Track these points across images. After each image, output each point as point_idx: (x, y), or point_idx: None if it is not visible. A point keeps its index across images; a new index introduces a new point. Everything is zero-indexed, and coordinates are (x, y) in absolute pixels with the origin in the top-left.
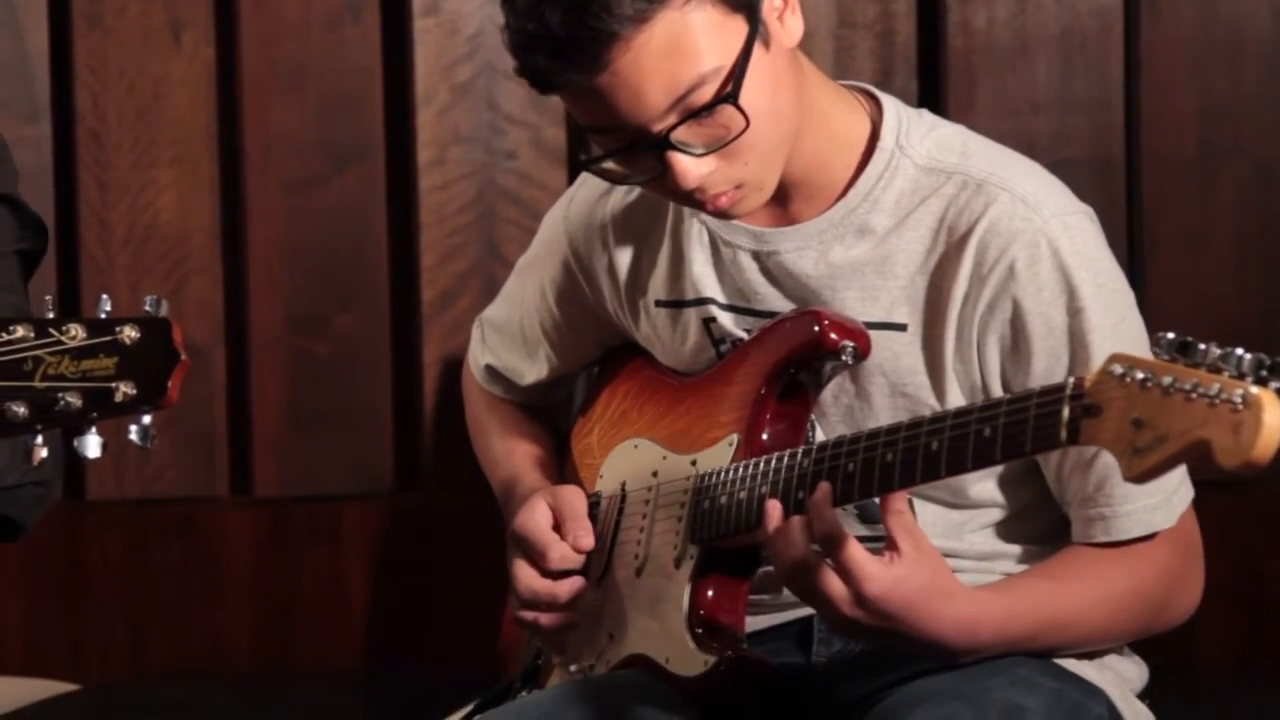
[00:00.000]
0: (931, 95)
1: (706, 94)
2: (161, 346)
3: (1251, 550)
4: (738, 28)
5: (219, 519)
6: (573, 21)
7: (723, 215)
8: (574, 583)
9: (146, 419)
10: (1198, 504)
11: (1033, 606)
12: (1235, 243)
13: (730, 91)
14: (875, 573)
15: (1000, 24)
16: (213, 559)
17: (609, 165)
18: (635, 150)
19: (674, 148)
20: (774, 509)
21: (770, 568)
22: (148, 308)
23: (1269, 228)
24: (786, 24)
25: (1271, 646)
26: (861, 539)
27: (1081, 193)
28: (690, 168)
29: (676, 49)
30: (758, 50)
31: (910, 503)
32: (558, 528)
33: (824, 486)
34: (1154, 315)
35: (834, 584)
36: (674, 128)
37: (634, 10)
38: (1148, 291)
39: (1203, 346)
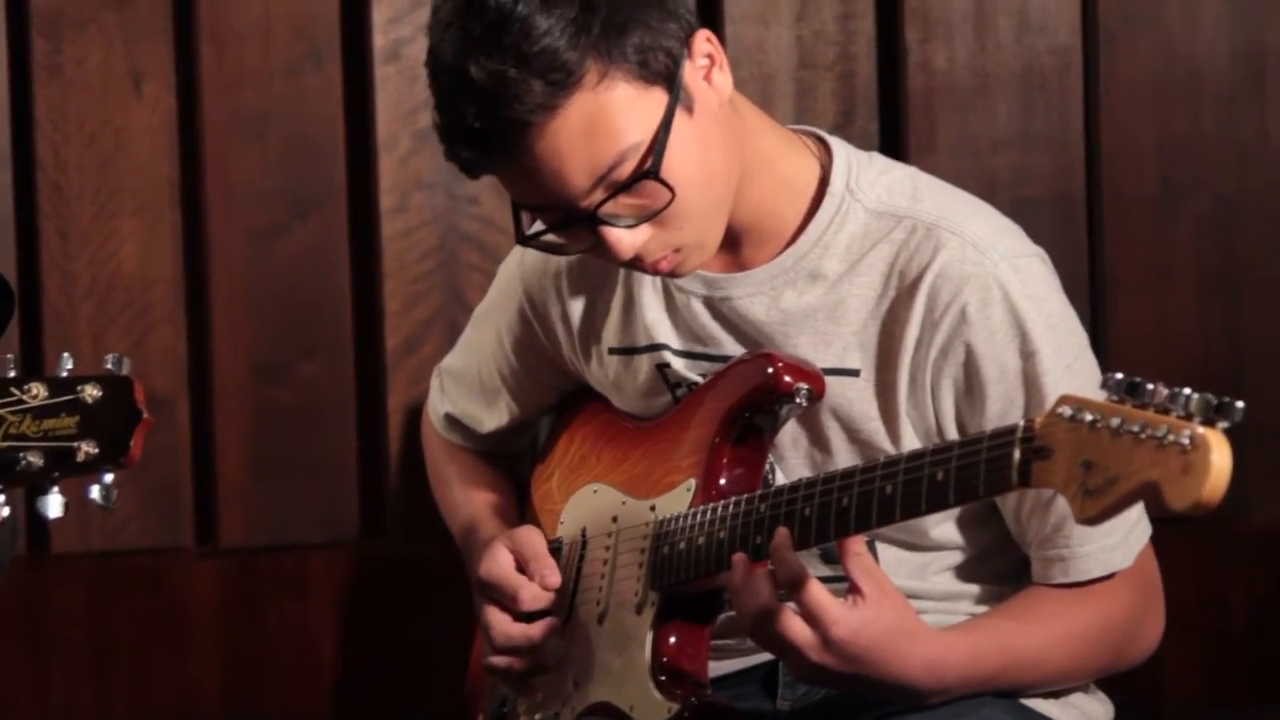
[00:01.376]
0: (893, 136)
1: (628, 169)
2: (123, 405)
3: (1216, 585)
4: (657, 99)
5: (184, 570)
6: (486, 113)
7: (668, 275)
8: (548, 623)
9: (108, 478)
10: (1161, 539)
11: (997, 646)
12: (1197, 279)
13: (650, 167)
14: (841, 615)
15: (960, 64)
16: (178, 610)
17: (547, 239)
18: (568, 225)
19: (604, 222)
20: (740, 560)
21: (733, 612)
22: (109, 366)
23: (1230, 263)
24: (714, 82)
25: (1237, 682)
26: (825, 579)
27: (1042, 230)
28: (623, 239)
29: (593, 129)
30: (680, 118)
31: (872, 545)
32: (522, 569)
33: (782, 531)
34: (1116, 352)
35: (800, 630)
36: (601, 203)
37: (545, 97)
38: (1110, 328)
39: (1151, 387)
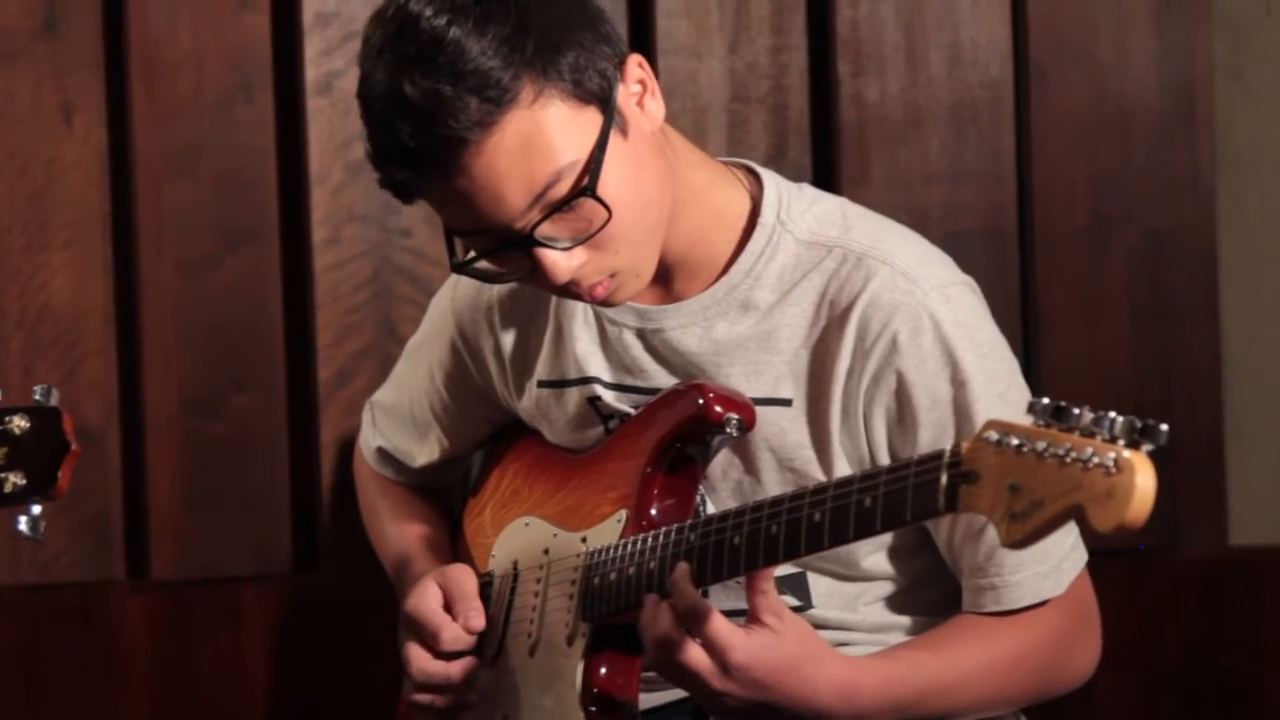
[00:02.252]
0: (825, 168)
1: (564, 188)
2: (52, 436)
3: (1147, 617)
4: (592, 119)
5: (116, 603)
6: (422, 131)
7: (602, 304)
8: (467, 663)
9: (36, 509)
10: (1096, 572)
11: (913, 670)
12: (1128, 312)
13: (588, 184)
14: (739, 641)
15: (892, 97)
16: (110, 644)
17: (481, 265)
18: (503, 250)
19: (540, 244)
20: (651, 599)
21: None
22: (38, 397)
23: (1160, 297)
24: (647, 108)
25: (1170, 714)
26: (741, 611)
27: (974, 263)
28: (559, 261)
29: (529, 148)
30: (615, 139)
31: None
32: (449, 608)
33: (682, 566)
34: (1048, 385)
35: (699, 658)
36: (537, 224)
37: (480, 114)
38: (1042, 361)
39: (1076, 411)
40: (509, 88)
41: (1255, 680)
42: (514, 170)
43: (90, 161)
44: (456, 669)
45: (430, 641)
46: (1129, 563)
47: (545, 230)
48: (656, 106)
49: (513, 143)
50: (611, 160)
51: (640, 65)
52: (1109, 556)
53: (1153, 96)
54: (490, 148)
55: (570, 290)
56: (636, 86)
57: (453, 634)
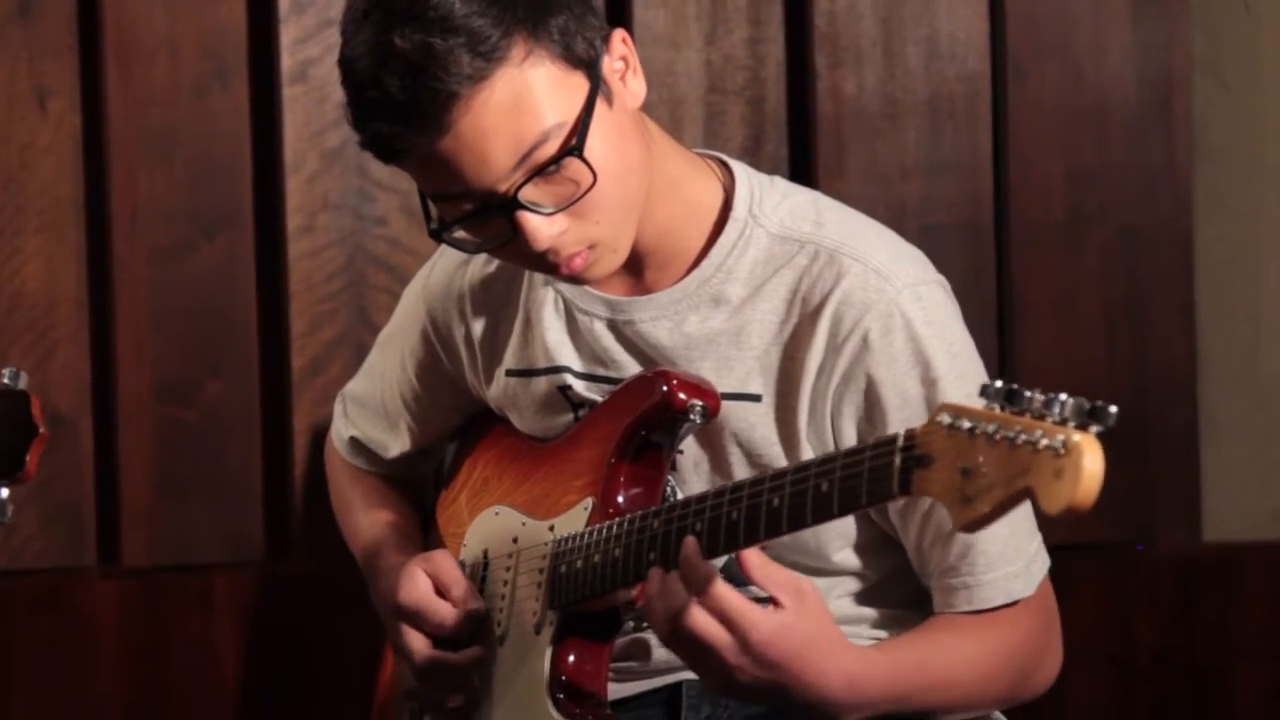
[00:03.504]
0: (802, 161)
1: (551, 149)
2: (19, 419)
3: (1120, 613)
4: (578, 84)
5: (87, 590)
6: (411, 84)
7: (577, 280)
8: (474, 650)
9: (4, 493)
10: (1066, 565)
11: (915, 665)
12: (1103, 307)
13: (575, 144)
14: (760, 618)
15: (869, 90)
16: (81, 631)
17: (459, 234)
18: (484, 214)
19: (523, 207)
20: (656, 572)
21: (638, 634)
22: (5, 379)
23: (1136, 292)
24: (629, 84)
25: (1144, 709)
26: None
27: (951, 258)
28: (540, 227)
29: (517, 106)
30: (600, 106)
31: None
32: (442, 595)
33: (690, 540)
34: (1023, 380)
35: (717, 631)
36: (520, 186)
37: (472, 69)
38: (1017, 356)
39: (1029, 394)
40: (500, 44)
41: (1229, 675)
42: (501, 129)
43: (64, 147)
44: (467, 655)
45: (433, 629)
46: (1103, 558)
47: (528, 194)
48: (638, 84)
49: (502, 100)
50: (597, 126)
51: (624, 41)
52: (1084, 550)
53: (1130, 91)
54: (479, 104)
55: (547, 261)
56: (620, 63)
57: (455, 619)
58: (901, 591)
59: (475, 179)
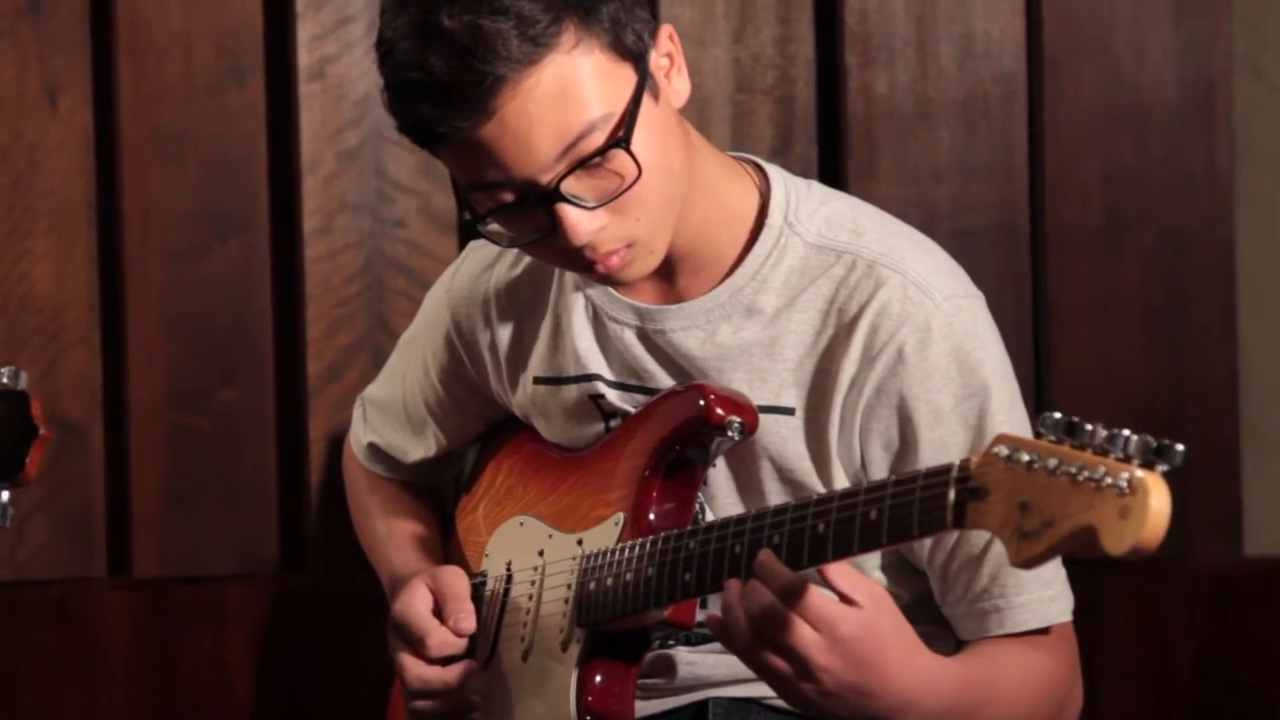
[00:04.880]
0: (831, 162)
1: (597, 140)
2: (18, 420)
3: (1163, 629)
4: (626, 76)
5: (96, 601)
6: (458, 66)
7: (611, 280)
8: (463, 667)
9: (4, 495)
10: (1101, 583)
11: (979, 678)
12: (1142, 314)
13: (623, 136)
14: (846, 614)
15: (901, 89)
16: (90, 643)
17: (495, 226)
18: (523, 206)
19: (564, 199)
20: (733, 583)
21: (665, 650)
22: (5, 380)
23: (1176, 298)
24: (674, 82)
25: None
26: None
27: (985, 262)
28: (581, 221)
29: (564, 94)
30: (647, 100)
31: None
32: (439, 611)
33: (766, 551)
34: (1059, 388)
35: (805, 632)
36: (563, 178)
37: (521, 53)
38: (1052, 363)
39: (1089, 427)
40: (550, 29)
41: (1269, 692)
42: (547, 117)
43: (75, 146)
44: (453, 674)
45: (418, 647)
46: (1139, 573)
47: (570, 186)
48: (683, 83)
49: (550, 87)
50: (643, 120)
51: (671, 38)
52: (1116, 569)
53: (1170, 91)
54: (526, 89)
55: (583, 258)
56: (665, 59)
57: (440, 638)
58: (932, 610)
59: (517, 168)
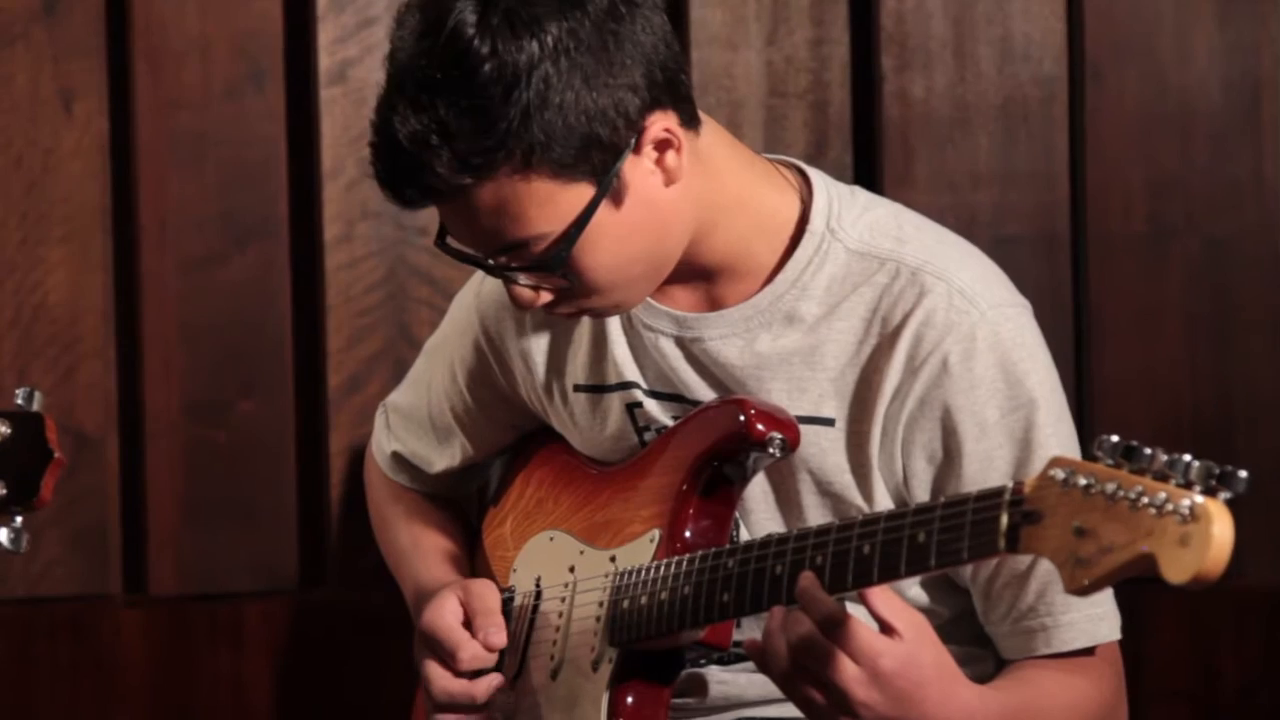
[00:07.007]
0: (867, 168)
1: (535, 250)
2: (33, 443)
3: (1208, 649)
4: (579, 193)
5: (111, 619)
6: (402, 168)
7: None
8: (490, 681)
9: (18, 520)
10: (1147, 601)
11: (1021, 707)
12: (1186, 323)
13: (554, 257)
14: (887, 648)
15: (939, 94)
16: (105, 661)
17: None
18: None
19: (507, 279)
20: (778, 610)
21: (697, 669)
22: (19, 401)
23: (1221, 307)
24: (667, 166)
25: None
26: None
27: (1025, 271)
28: (523, 294)
29: (501, 211)
30: (604, 209)
31: (842, 604)
32: (468, 624)
33: (808, 574)
34: (1101, 399)
35: (845, 664)
36: (506, 266)
37: (456, 180)
38: (1095, 374)
39: (1148, 451)
40: (490, 160)
41: None
42: (483, 224)
43: (90, 152)
44: (480, 688)
45: (447, 660)
46: (1185, 594)
47: (514, 272)
48: (677, 161)
49: (487, 202)
50: (593, 230)
51: (666, 130)
52: (1163, 584)
53: (1215, 95)
54: (462, 202)
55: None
56: (653, 152)
57: (471, 652)
58: (973, 629)
59: (459, 239)
